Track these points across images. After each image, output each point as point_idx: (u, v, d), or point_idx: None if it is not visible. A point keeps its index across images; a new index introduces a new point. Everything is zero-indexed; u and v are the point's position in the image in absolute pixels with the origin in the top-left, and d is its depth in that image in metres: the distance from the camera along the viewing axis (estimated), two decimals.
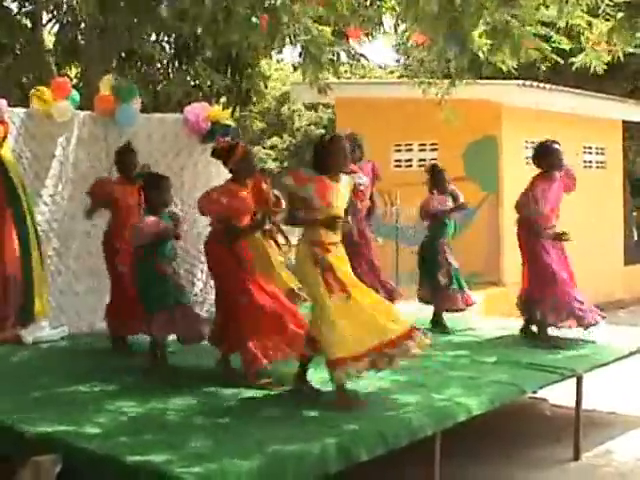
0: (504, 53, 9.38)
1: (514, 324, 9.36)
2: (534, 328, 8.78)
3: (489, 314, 12.48)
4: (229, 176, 10.86)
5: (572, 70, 9.98)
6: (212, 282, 7.49)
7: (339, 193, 6.29)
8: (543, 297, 8.49)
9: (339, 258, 6.28)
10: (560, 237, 8.54)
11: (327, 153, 6.26)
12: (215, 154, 7.42)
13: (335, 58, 10.48)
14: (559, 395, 8.50)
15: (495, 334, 9.18)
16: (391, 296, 9.04)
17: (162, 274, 7.27)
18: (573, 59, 9.95)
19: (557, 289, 8.45)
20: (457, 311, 9.51)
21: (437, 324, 9.42)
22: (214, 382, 6.79)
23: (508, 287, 14.49)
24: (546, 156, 8.61)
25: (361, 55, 11.49)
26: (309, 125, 34.76)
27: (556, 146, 8.64)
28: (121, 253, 8.32)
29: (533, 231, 8.52)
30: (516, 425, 8.23)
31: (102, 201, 8.64)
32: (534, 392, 7.63)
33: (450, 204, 9.46)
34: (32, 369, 7.84)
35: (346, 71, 19.49)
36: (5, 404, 6.18)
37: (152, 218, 7.22)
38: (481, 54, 9.42)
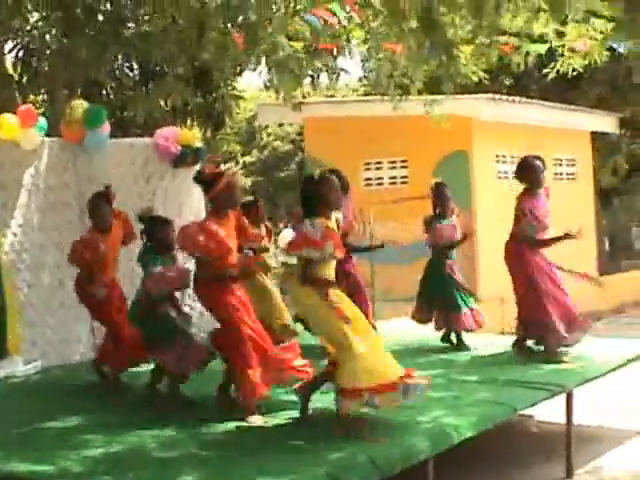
0: (486, 61, 9.32)
1: (495, 340, 9.24)
2: (530, 344, 8.65)
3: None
4: (201, 199, 10.79)
5: (535, 83, 10.00)
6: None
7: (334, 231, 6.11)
8: (548, 317, 8.33)
9: (340, 295, 6.15)
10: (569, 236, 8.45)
11: (321, 194, 6.04)
12: (197, 180, 7.11)
13: (315, 75, 10.38)
14: (544, 411, 8.36)
15: (477, 352, 9.04)
16: None
17: (165, 315, 7.14)
18: (546, 70, 9.91)
19: (561, 307, 8.35)
20: (470, 331, 9.35)
21: (449, 342, 9.38)
22: (202, 412, 6.64)
23: (484, 302, 14.38)
24: (528, 172, 8.55)
25: (341, 69, 11.34)
26: (275, 140, 34.77)
27: (537, 162, 8.57)
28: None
29: (530, 249, 8.43)
30: (504, 443, 8.08)
31: (89, 265, 8.17)
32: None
33: (457, 232, 9.33)
34: (6, 405, 7.60)
35: (309, 93, 19.41)
36: None
37: (169, 272, 7.09)
38: (462, 63, 9.36)
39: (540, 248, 8.51)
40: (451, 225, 9.35)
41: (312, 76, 9.99)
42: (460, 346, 9.25)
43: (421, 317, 9.51)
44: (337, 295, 6.06)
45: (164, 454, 5.56)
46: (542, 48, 9.62)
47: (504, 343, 9.08)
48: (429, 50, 9.17)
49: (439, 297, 9.29)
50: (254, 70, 9.77)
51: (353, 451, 5.31)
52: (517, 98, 17.69)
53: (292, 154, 33.74)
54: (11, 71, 14.36)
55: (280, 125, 32.59)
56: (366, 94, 27.57)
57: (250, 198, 9.47)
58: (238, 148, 33.73)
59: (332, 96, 29.98)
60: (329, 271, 6.08)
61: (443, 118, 11.06)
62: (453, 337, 9.39)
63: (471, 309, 9.28)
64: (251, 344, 6.56)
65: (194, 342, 7.18)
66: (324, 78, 11.40)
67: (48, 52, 13.46)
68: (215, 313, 6.84)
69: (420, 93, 10.92)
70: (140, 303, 7.25)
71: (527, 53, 9.74)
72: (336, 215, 6.28)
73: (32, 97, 15.50)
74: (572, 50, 9.53)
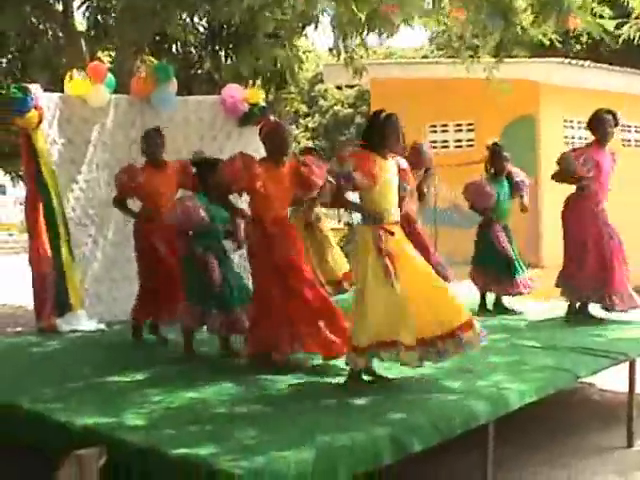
0: (549, 25, 9.13)
1: (557, 306, 9.14)
2: (586, 310, 8.57)
3: (528, 296, 12.26)
4: None
5: (605, 47, 9.77)
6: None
7: (388, 172, 6.14)
8: (602, 280, 8.27)
9: (399, 240, 6.17)
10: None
11: (381, 130, 6.12)
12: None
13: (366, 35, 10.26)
14: (606, 379, 8.28)
15: (539, 317, 8.99)
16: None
17: (206, 267, 7.11)
18: (618, 31, 9.69)
19: (615, 272, 8.26)
20: (516, 295, 9.30)
21: (498, 307, 9.40)
22: (255, 371, 6.64)
23: (547, 269, 14.27)
24: (598, 124, 8.52)
25: (392, 35, 11.19)
26: (336, 105, 34.67)
27: (608, 116, 8.52)
28: (157, 237, 8.11)
29: (591, 210, 8.36)
30: (565, 411, 8.02)
31: (129, 190, 8.24)
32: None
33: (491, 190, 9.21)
34: (70, 359, 7.74)
35: (375, 52, 19.28)
36: (44, 394, 6.07)
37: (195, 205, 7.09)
38: (521, 28, 9.18)
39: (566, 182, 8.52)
40: (490, 188, 9.24)
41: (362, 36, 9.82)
42: (510, 311, 9.24)
43: (476, 282, 9.47)
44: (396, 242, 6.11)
45: (223, 410, 5.58)
46: (610, 24, 9.41)
47: (565, 309, 8.98)
48: (487, 16, 9.02)
49: (490, 262, 9.23)
50: (316, 28, 9.68)
51: (414, 413, 5.29)
52: (587, 63, 17.38)
53: (352, 118, 33.62)
54: (80, 28, 14.45)
55: (339, 88, 32.46)
56: (436, 57, 27.35)
57: (307, 147, 9.45)
58: (301, 107, 33.66)
59: (399, 57, 29.77)
60: (379, 199, 6.12)
61: (505, 86, 10.80)
62: (505, 301, 9.38)
63: (521, 275, 9.21)
64: (299, 301, 6.62)
65: (226, 310, 7.17)
66: (377, 39, 11.26)
67: (116, 8, 13.49)
68: (255, 266, 6.90)
69: (494, 55, 10.73)
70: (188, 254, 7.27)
71: (595, 15, 9.53)
72: (399, 161, 6.32)
73: (100, 54, 15.60)
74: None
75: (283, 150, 6.88)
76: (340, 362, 6.48)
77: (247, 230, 6.94)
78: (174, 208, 7.24)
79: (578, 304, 8.69)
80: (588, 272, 8.42)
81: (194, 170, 7.55)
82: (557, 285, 8.74)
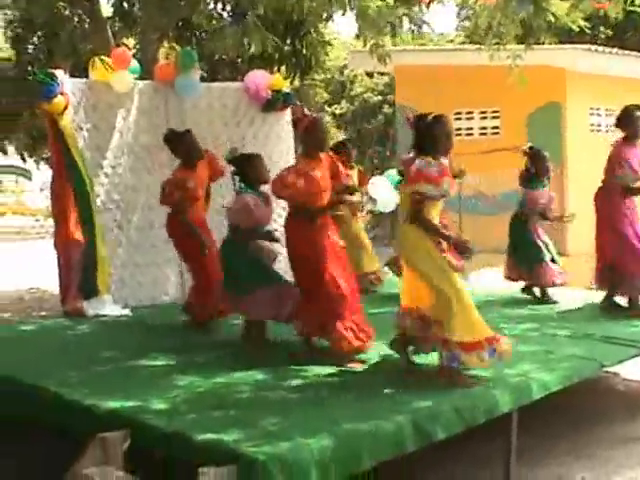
0: (581, 11, 9.07)
1: (584, 295, 9.08)
2: (619, 300, 8.51)
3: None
4: (291, 145, 10.84)
5: (635, 34, 9.69)
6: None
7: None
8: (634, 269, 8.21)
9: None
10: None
11: (437, 134, 5.94)
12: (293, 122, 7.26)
13: (397, 24, 10.20)
14: (631, 369, 8.24)
15: (567, 306, 8.93)
16: None
17: (255, 254, 7.10)
18: None
19: None
20: (549, 286, 9.24)
21: (532, 295, 9.35)
22: (284, 358, 6.64)
23: (573, 257, 14.22)
24: (628, 121, 8.38)
25: (423, 22, 11.14)
26: (365, 92, 34.54)
27: (638, 112, 8.37)
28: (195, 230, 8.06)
29: (622, 197, 8.28)
30: (589, 400, 7.97)
31: (183, 203, 8.05)
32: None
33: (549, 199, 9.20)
34: (95, 343, 7.78)
35: (403, 40, 19.22)
36: (70, 378, 6.11)
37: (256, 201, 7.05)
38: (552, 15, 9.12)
39: (634, 196, 8.36)
40: (545, 192, 9.20)
41: (393, 25, 9.77)
42: (545, 300, 9.18)
43: (510, 275, 9.43)
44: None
45: (247, 396, 5.60)
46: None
47: (593, 298, 8.94)
48: (517, 1, 8.96)
49: (523, 251, 9.20)
50: (343, 14, 9.65)
51: (437, 401, 5.28)
52: (614, 50, 17.25)
53: (380, 106, 33.48)
54: (106, 14, 14.50)
55: (369, 75, 32.36)
56: (462, 43, 27.24)
57: (340, 140, 9.45)
58: (326, 96, 33.59)
59: (424, 45, 29.66)
60: (435, 212, 5.98)
61: (523, 76, 10.69)
62: (537, 291, 9.32)
63: (554, 264, 9.17)
64: (343, 294, 6.54)
65: (277, 288, 7.07)
66: (407, 28, 11.19)
67: None
68: (301, 252, 6.72)
69: (519, 42, 10.67)
70: (228, 240, 7.25)
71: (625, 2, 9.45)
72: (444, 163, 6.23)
73: (125, 40, 15.65)
74: None
75: (323, 146, 6.84)
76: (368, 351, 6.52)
77: (290, 224, 6.80)
78: (241, 206, 7.06)
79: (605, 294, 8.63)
80: None
81: (233, 168, 7.37)
82: (612, 281, 8.62)
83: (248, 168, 7.19)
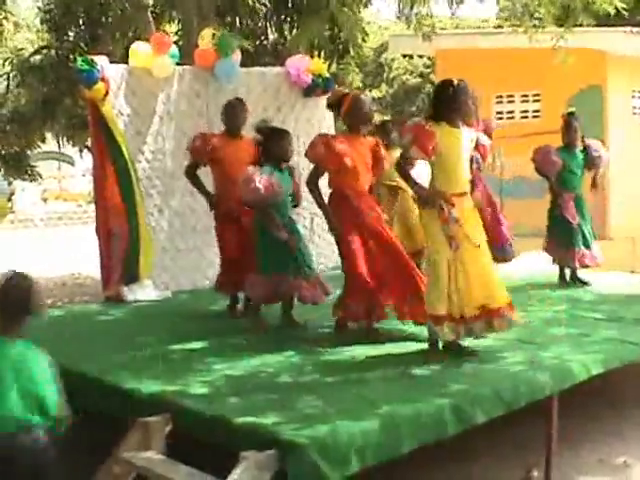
0: None
1: (625, 278, 8.98)
2: None
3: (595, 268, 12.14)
4: (332, 129, 10.85)
5: None
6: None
7: (456, 141, 6.04)
8: None
9: (466, 211, 6.08)
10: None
11: (452, 98, 6.02)
12: (328, 106, 7.35)
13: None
14: None
15: (604, 289, 8.85)
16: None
17: (276, 238, 7.06)
18: None
19: None
20: (582, 267, 9.16)
21: (564, 279, 9.25)
22: (321, 341, 6.66)
23: (614, 241, 14.09)
24: None
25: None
26: (404, 74, 34.41)
27: None
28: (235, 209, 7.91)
29: None
30: (630, 385, 7.88)
31: (203, 154, 7.96)
32: None
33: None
34: (136, 327, 7.84)
35: (441, 21, 19.12)
36: (111, 363, 6.17)
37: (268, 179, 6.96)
38: None
39: None
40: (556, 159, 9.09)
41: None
42: (575, 283, 9.11)
43: (550, 254, 9.35)
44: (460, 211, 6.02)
45: (287, 379, 5.61)
46: None
47: (634, 282, 8.85)
48: None
49: (558, 233, 9.12)
50: None
51: (478, 384, 5.27)
52: None
53: (420, 88, 33.33)
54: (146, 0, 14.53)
55: (406, 57, 32.17)
56: (500, 25, 27.02)
57: (382, 120, 9.38)
58: (361, 80, 33.56)
59: (465, 28, 29.47)
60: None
61: (567, 55, 10.56)
62: (571, 273, 9.24)
63: (587, 247, 9.07)
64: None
65: (297, 277, 7.10)
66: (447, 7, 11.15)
67: None
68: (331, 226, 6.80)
69: (559, 25, 10.57)
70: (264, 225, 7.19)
71: None
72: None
73: (166, 26, 15.69)
74: None
75: (365, 121, 6.88)
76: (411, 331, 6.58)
77: (332, 205, 6.81)
78: (249, 183, 6.97)
79: None
80: None
81: (259, 137, 7.38)
82: None
83: (272, 142, 7.18)
